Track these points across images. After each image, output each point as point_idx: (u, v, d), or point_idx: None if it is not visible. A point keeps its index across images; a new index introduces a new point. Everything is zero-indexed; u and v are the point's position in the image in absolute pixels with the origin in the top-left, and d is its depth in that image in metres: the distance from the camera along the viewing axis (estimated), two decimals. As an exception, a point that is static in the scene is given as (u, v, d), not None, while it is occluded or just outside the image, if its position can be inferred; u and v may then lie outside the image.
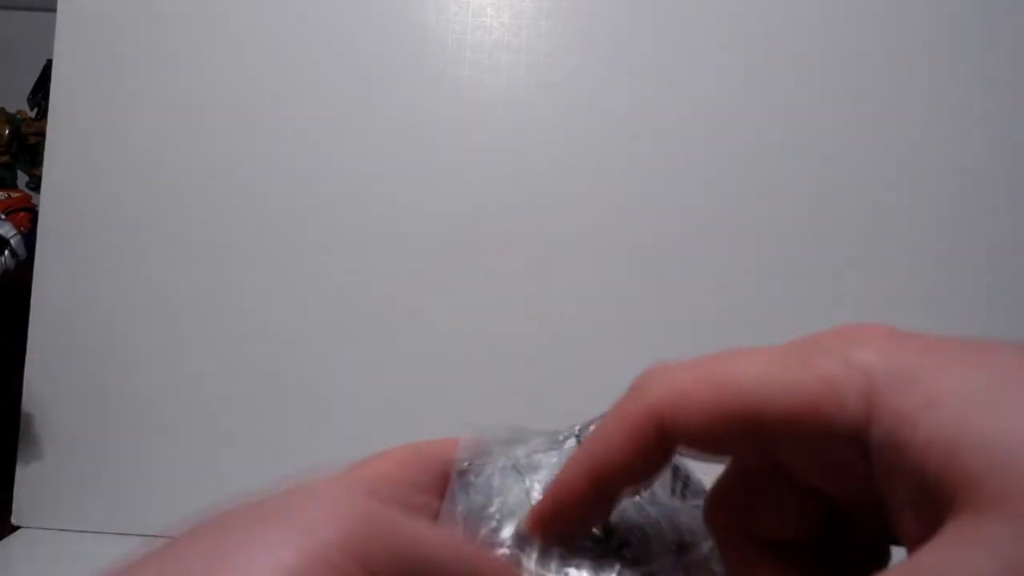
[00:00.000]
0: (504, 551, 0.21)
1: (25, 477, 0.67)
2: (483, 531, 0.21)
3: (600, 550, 0.21)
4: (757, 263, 0.66)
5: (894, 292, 0.66)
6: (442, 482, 0.23)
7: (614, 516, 0.21)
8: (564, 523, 0.21)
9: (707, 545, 0.21)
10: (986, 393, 0.15)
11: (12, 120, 0.79)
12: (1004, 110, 0.66)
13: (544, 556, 0.21)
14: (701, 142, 0.67)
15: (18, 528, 0.66)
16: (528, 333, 0.66)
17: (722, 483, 0.20)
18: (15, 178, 0.79)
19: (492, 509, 0.22)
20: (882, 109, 0.67)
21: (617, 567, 0.20)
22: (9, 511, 0.66)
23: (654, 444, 0.19)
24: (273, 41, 0.68)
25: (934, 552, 0.14)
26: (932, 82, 0.66)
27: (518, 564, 0.20)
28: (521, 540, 0.21)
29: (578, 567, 0.20)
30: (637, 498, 0.22)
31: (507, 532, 0.21)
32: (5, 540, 0.64)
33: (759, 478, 0.19)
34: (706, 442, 0.18)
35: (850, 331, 0.17)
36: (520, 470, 0.23)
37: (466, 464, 0.23)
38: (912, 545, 0.15)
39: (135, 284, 0.67)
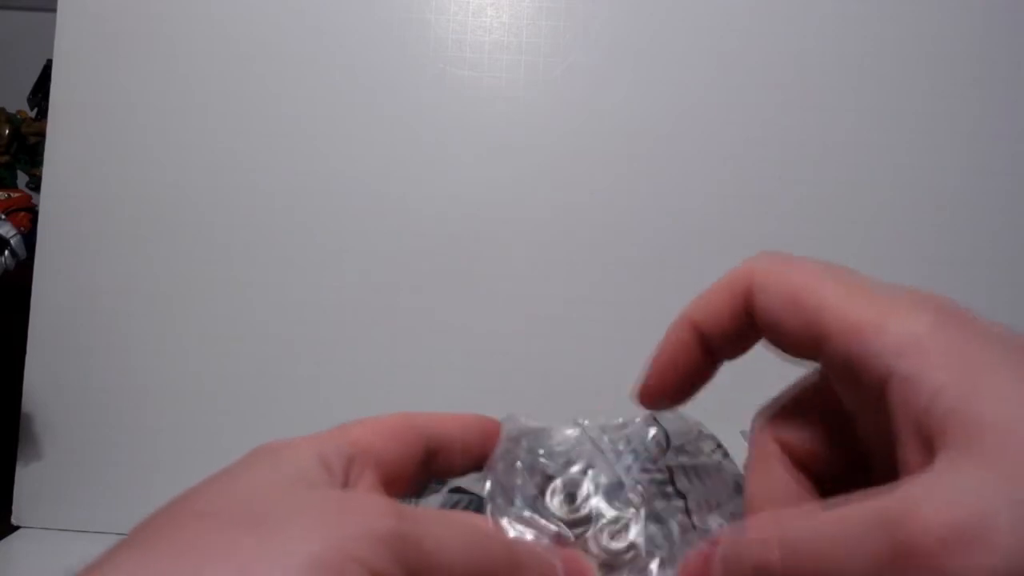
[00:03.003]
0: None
1: (25, 477, 0.67)
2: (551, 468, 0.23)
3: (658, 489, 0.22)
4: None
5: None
6: (425, 455, 0.23)
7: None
8: (669, 385, 0.23)
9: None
10: (1017, 367, 0.17)
11: (12, 120, 0.79)
12: (1004, 110, 0.66)
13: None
14: (701, 142, 0.67)
15: (18, 528, 0.66)
16: (528, 332, 0.66)
17: (777, 398, 0.23)
18: (15, 178, 0.79)
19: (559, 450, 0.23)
20: (883, 108, 0.67)
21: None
22: (9, 511, 0.66)
23: (742, 303, 0.22)
24: (273, 41, 0.68)
25: (921, 477, 0.16)
26: (932, 82, 0.66)
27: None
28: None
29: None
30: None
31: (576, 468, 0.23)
32: (5, 540, 0.64)
33: (809, 401, 0.22)
34: (775, 319, 0.21)
35: (926, 294, 0.20)
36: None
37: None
38: (910, 474, 0.17)
39: (135, 284, 0.67)
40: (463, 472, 0.24)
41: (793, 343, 0.21)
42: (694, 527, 0.22)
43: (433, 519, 0.20)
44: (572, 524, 0.22)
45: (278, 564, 0.16)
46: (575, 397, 0.64)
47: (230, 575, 0.16)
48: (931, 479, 0.16)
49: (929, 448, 0.17)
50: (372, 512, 0.18)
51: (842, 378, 0.20)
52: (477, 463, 0.24)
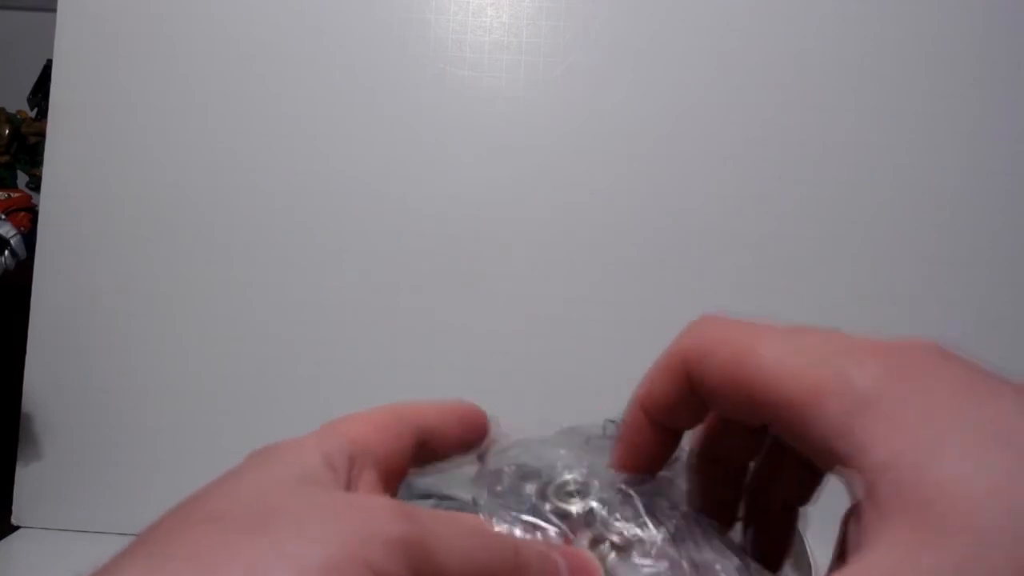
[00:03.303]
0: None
1: (25, 477, 0.67)
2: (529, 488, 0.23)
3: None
4: (756, 263, 0.66)
5: (894, 295, 0.66)
6: (418, 447, 0.23)
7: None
8: (639, 460, 0.23)
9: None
10: (955, 438, 0.16)
11: (12, 120, 0.79)
12: (1004, 110, 0.66)
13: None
14: (701, 143, 0.67)
15: (18, 528, 0.66)
16: (528, 332, 0.66)
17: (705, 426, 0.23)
18: (15, 178, 0.79)
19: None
20: (883, 108, 0.66)
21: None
22: (9, 511, 0.66)
23: (684, 383, 0.21)
24: (273, 41, 0.68)
25: (872, 560, 0.16)
26: (932, 82, 0.66)
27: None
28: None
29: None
30: None
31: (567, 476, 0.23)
32: (5, 540, 0.64)
33: (722, 429, 0.23)
34: (716, 396, 0.21)
35: (861, 347, 0.18)
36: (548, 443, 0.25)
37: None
38: (860, 537, 0.17)
39: (135, 284, 0.67)
40: (446, 459, 0.25)
41: (738, 415, 0.21)
42: (687, 523, 0.22)
43: (439, 520, 0.19)
44: (570, 523, 0.22)
45: (288, 568, 0.16)
46: (575, 397, 0.64)
47: None
48: (882, 563, 0.15)
49: (879, 526, 0.16)
50: (381, 514, 0.18)
51: (794, 443, 0.19)
52: (459, 450, 0.25)
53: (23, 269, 0.67)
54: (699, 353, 0.21)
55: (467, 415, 0.25)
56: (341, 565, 0.16)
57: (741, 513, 0.24)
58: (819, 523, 0.24)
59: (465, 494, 0.24)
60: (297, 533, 0.17)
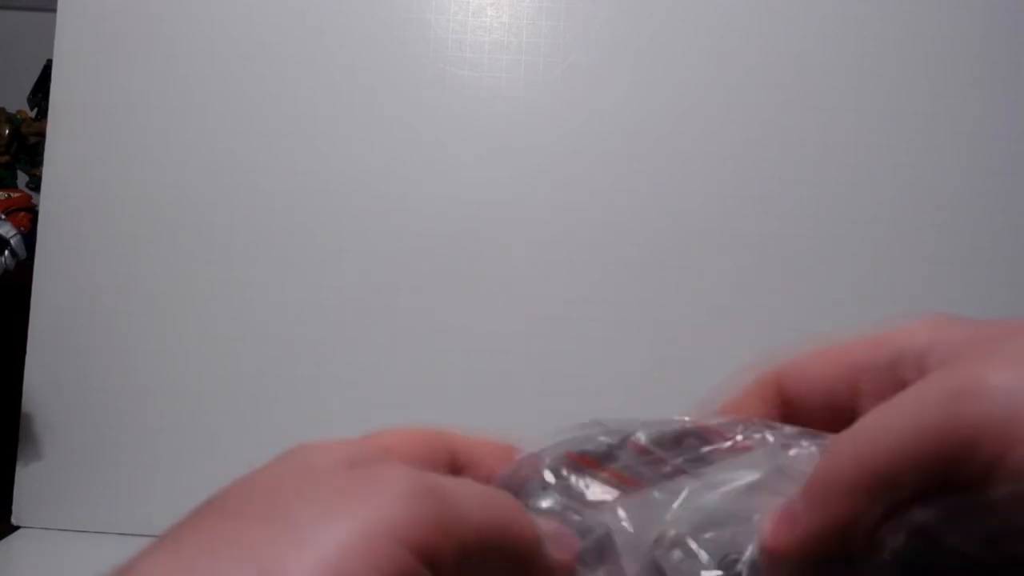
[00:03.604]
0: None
1: (25, 477, 0.67)
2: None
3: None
4: (756, 263, 0.66)
5: (894, 295, 0.66)
6: (450, 471, 0.23)
7: None
8: None
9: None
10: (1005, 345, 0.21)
11: (12, 120, 0.79)
12: (1004, 110, 0.66)
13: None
14: (701, 143, 0.67)
15: (18, 528, 0.66)
16: (528, 332, 0.66)
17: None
18: (15, 178, 0.79)
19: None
20: (883, 108, 0.67)
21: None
22: (9, 511, 0.66)
23: (772, 394, 0.25)
24: (273, 41, 0.68)
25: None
26: (932, 82, 0.66)
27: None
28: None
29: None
30: None
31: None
32: (5, 540, 0.64)
33: None
34: (811, 381, 0.25)
35: (915, 318, 0.24)
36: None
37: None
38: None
39: (135, 284, 0.67)
40: None
41: (833, 390, 0.24)
42: None
43: (450, 478, 0.20)
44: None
45: (304, 555, 0.16)
46: (575, 397, 0.64)
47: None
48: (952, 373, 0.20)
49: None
50: (399, 481, 0.18)
51: (873, 394, 0.23)
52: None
53: (23, 269, 0.67)
54: (789, 363, 0.25)
55: (502, 454, 0.25)
56: (359, 546, 0.16)
57: None
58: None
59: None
60: (312, 518, 0.17)
